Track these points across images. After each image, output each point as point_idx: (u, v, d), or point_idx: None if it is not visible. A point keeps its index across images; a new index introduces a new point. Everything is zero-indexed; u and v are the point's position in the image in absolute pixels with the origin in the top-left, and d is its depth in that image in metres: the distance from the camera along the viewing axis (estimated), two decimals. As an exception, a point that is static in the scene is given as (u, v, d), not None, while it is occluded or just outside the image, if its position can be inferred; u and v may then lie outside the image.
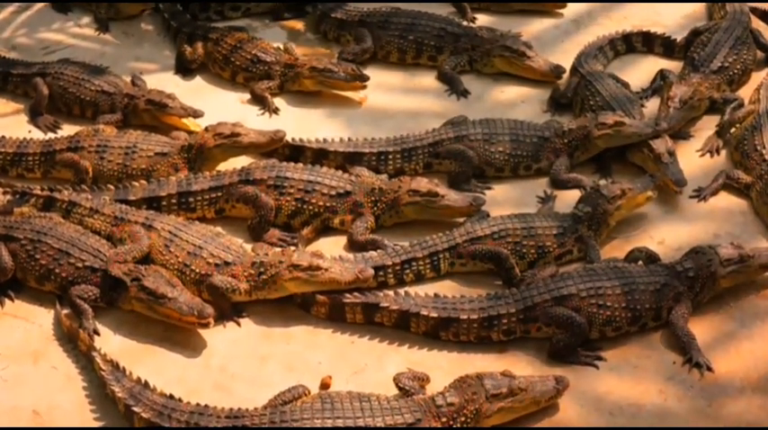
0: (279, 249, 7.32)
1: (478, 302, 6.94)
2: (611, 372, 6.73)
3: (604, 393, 6.60)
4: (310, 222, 7.81)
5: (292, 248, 7.32)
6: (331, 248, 7.67)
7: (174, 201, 7.83)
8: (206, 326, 6.82)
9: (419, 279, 7.43)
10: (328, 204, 7.77)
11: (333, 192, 7.79)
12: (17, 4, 10.52)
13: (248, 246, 7.52)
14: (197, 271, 7.15)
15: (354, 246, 7.65)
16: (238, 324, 7.06)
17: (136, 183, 7.92)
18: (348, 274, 6.99)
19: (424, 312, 6.89)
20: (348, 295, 7.02)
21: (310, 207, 7.77)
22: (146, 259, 7.31)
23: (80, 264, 7.14)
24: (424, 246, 7.45)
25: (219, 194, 7.88)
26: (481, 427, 6.24)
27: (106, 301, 7.07)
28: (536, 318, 6.84)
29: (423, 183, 7.78)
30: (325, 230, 7.85)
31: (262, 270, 7.06)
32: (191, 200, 7.84)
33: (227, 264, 7.14)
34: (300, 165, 8.00)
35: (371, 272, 7.08)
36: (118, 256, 7.15)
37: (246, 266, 7.10)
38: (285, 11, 10.43)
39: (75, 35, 10.22)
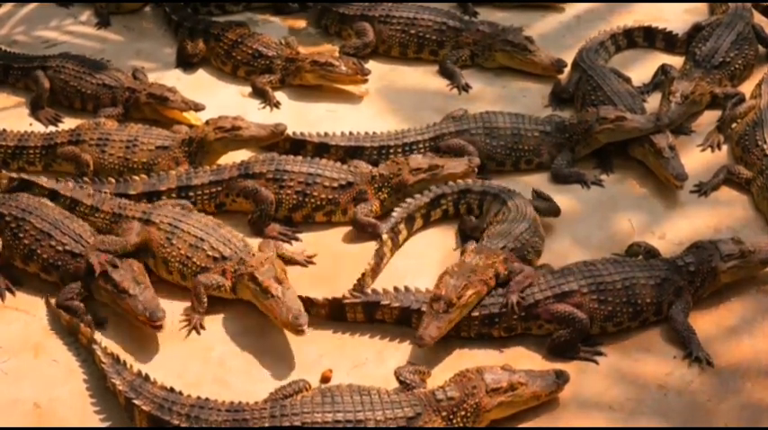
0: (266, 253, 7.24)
1: (479, 299, 6.94)
2: (611, 367, 6.72)
3: (605, 388, 6.59)
4: (312, 215, 7.81)
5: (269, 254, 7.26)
6: (334, 241, 7.69)
7: (174, 195, 7.83)
8: (157, 329, 6.76)
9: (445, 216, 7.80)
10: (330, 196, 7.78)
11: (335, 184, 7.79)
12: (19, -1, 10.57)
13: (249, 241, 7.53)
14: (198, 263, 7.15)
15: (356, 225, 7.69)
16: (198, 331, 6.95)
17: (136, 178, 7.92)
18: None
19: (425, 309, 6.88)
20: (348, 295, 7.01)
21: (312, 200, 7.77)
22: (148, 253, 7.34)
23: (60, 248, 7.16)
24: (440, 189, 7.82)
25: (219, 189, 7.88)
26: (481, 423, 6.25)
27: (86, 288, 7.08)
28: (537, 315, 6.83)
29: (420, 160, 7.91)
30: (326, 226, 7.87)
31: (239, 267, 7.06)
32: (191, 194, 7.84)
33: (224, 258, 7.13)
34: (300, 157, 8.00)
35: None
36: (102, 244, 7.16)
37: (235, 263, 7.09)
38: (286, 5, 10.43)
39: (76, 29, 10.22)
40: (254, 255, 7.15)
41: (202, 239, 7.21)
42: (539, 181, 8.26)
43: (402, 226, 7.66)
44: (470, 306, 6.76)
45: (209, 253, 7.16)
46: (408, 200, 7.75)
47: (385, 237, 7.49)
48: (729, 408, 6.45)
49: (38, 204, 7.42)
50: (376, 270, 7.37)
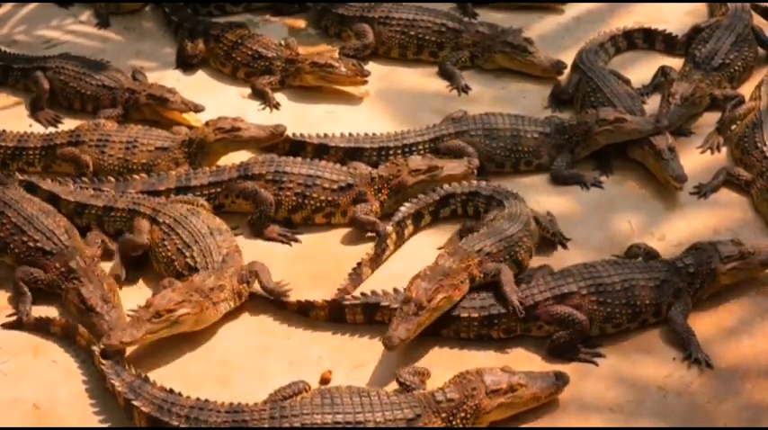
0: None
1: (479, 301, 6.91)
2: (610, 369, 6.72)
3: (604, 389, 6.59)
4: (312, 217, 7.81)
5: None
6: (334, 242, 7.69)
7: (172, 196, 7.83)
8: (116, 347, 6.59)
9: (454, 215, 7.84)
10: (330, 198, 7.77)
11: (334, 186, 7.79)
12: (19, -1, 10.57)
13: (251, 242, 7.53)
14: (178, 269, 7.13)
15: (356, 223, 7.69)
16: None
17: (136, 177, 7.92)
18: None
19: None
20: (347, 297, 7.01)
21: (311, 201, 7.77)
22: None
23: (32, 244, 7.19)
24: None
25: (219, 190, 7.87)
26: (480, 425, 6.24)
27: (46, 285, 7.07)
28: (537, 316, 6.83)
29: (419, 161, 7.91)
30: (326, 227, 7.87)
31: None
32: (189, 195, 7.83)
33: (196, 269, 7.05)
34: (299, 159, 8.00)
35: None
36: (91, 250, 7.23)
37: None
38: (286, 6, 10.43)
39: (76, 30, 10.23)
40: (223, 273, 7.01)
41: (189, 246, 7.18)
42: (538, 182, 8.27)
43: (409, 221, 7.67)
44: (441, 310, 6.72)
45: (188, 260, 7.13)
46: (420, 196, 7.75)
47: (390, 229, 7.51)
48: (729, 410, 6.45)
49: (19, 198, 7.46)
50: (376, 260, 7.40)
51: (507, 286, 6.85)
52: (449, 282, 6.72)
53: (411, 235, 7.74)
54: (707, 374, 6.67)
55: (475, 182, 7.91)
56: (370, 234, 7.70)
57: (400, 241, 7.64)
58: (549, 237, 7.57)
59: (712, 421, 6.39)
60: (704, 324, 6.98)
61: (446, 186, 7.83)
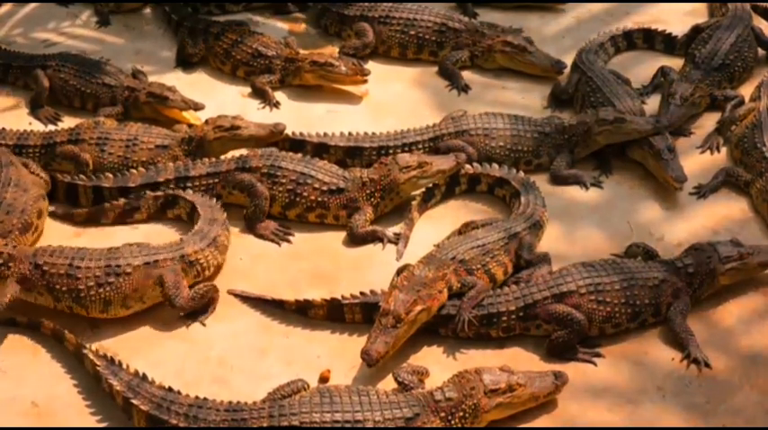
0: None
1: (478, 299, 6.93)
2: (609, 368, 6.73)
3: (603, 389, 6.60)
4: (305, 215, 7.81)
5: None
6: (334, 240, 7.69)
7: (172, 186, 7.85)
8: None
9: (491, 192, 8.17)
10: (320, 199, 7.76)
11: (324, 188, 7.77)
12: (19, -3, 10.57)
13: (247, 238, 7.52)
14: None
15: (355, 239, 7.66)
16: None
17: (134, 171, 7.93)
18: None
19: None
20: (346, 296, 7.01)
21: (302, 200, 7.76)
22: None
23: None
24: None
25: (216, 180, 7.89)
26: (479, 424, 6.25)
27: None
28: (536, 315, 6.84)
29: (408, 158, 7.90)
30: (325, 225, 7.87)
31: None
32: (188, 185, 7.85)
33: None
34: (299, 155, 8.00)
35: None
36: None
37: None
38: (286, 5, 10.43)
39: (76, 28, 10.23)
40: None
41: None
42: (538, 182, 8.24)
43: (464, 179, 8.09)
44: (420, 322, 6.67)
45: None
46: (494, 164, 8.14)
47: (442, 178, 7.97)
48: (727, 410, 6.45)
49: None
50: (423, 207, 7.93)
51: (467, 301, 6.80)
52: (426, 292, 6.66)
53: (461, 191, 8.15)
54: (705, 374, 6.67)
55: (521, 174, 8.07)
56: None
57: (445, 192, 8.10)
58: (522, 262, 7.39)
59: (711, 421, 6.39)
60: (703, 324, 6.99)
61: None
